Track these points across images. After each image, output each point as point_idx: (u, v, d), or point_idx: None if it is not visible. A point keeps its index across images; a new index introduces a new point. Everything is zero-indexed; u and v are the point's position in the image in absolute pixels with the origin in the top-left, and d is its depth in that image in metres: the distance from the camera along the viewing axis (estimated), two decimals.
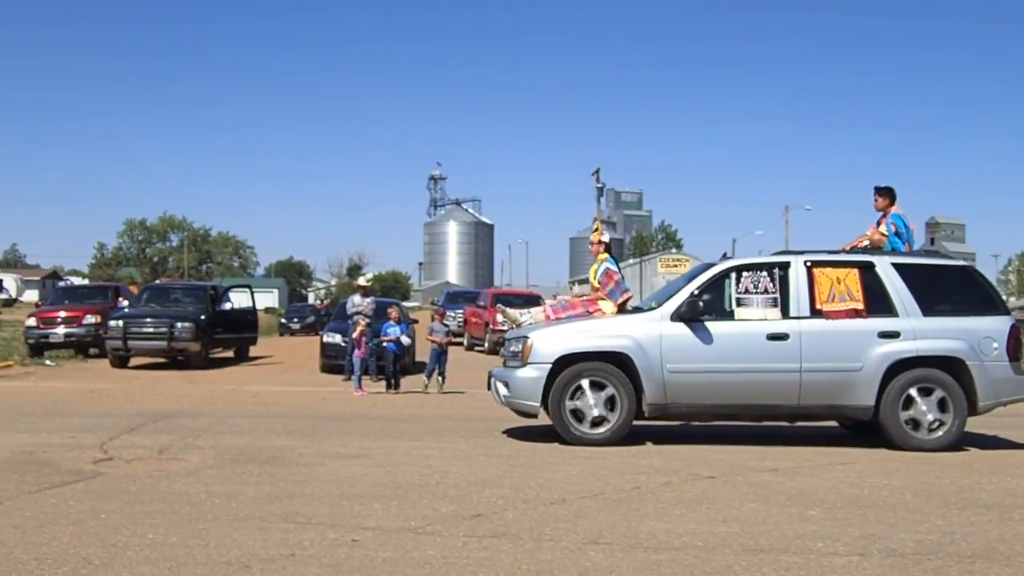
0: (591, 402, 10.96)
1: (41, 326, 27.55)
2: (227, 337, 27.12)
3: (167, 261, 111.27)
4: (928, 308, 11.14)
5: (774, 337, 10.96)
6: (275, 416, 13.78)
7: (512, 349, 11.62)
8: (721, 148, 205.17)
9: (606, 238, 12.80)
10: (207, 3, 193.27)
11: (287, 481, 8.41)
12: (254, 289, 32.82)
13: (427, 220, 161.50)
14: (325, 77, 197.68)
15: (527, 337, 11.34)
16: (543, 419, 11.28)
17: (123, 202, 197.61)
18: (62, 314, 27.84)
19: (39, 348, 26.99)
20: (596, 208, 69.27)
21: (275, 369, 25.22)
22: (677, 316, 11.08)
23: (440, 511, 7.28)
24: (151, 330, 24.08)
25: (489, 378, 11.97)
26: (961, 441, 11.09)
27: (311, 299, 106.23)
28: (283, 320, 57.91)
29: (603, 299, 12.20)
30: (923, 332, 11.00)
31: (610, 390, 10.94)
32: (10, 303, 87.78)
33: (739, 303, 11.22)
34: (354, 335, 18.90)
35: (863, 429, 11.87)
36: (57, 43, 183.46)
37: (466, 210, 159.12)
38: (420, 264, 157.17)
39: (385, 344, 18.50)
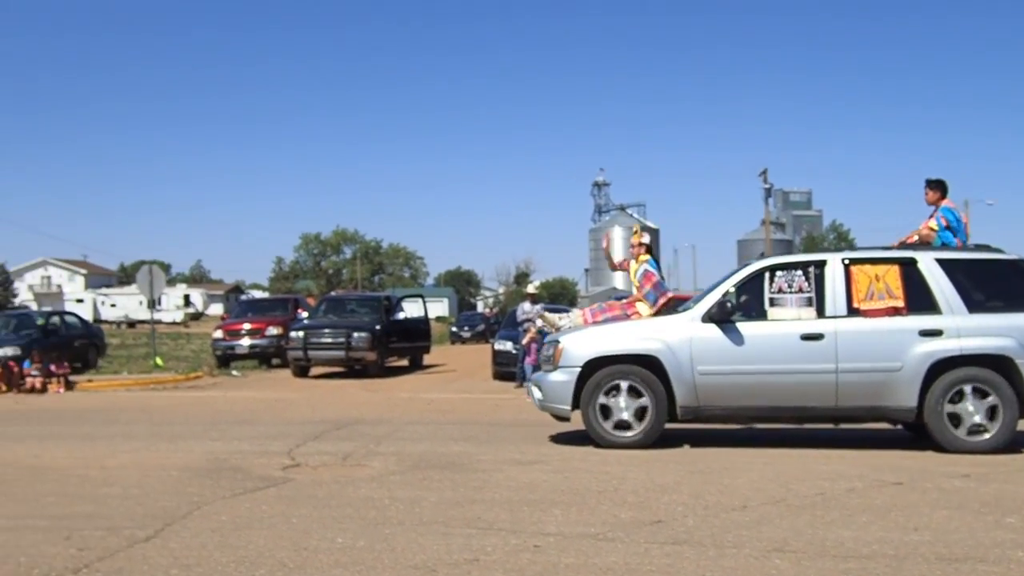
0: (622, 404, 10.96)
1: (227, 338, 28.83)
2: (402, 346, 27.71)
3: (341, 273, 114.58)
4: (975, 305, 10.69)
5: (808, 337, 10.74)
6: (451, 423, 14.02)
7: (546, 353, 11.72)
8: (896, 144, 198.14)
9: (646, 239, 12.91)
10: (373, 14, 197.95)
11: (467, 487, 8.54)
12: (425, 298, 33.46)
13: (592, 226, 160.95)
14: (488, 85, 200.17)
15: (558, 341, 11.46)
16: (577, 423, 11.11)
17: (299, 217, 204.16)
18: (246, 326, 29.06)
19: (226, 359, 28.24)
20: (764, 209, 68.05)
21: (448, 377, 25.67)
22: (708, 317, 11.01)
23: (620, 517, 7.27)
24: (329, 340, 24.84)
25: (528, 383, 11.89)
26: (1015, 442, 10.56)
27: (480, 307, 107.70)
28: (454, 329, 58.95)
29: (642, 301, 12.22)
30: (968, 330, 10.54)
31: (641, 392, 10.94)
32: (197, 316, 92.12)
33: (772, 303, 11.04)
34: (524, 342, 19.07)
35: (922, 432, 11.16)
36: (227, 69, 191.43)
37: (631, 215, 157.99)
38: (586, 270, 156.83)
39: None
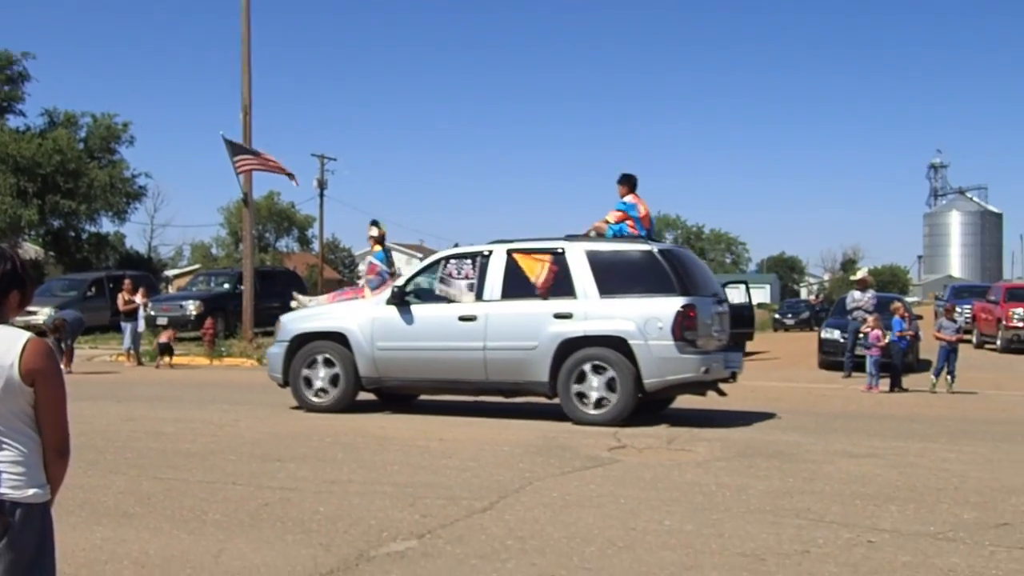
0: (321, 374, 12.68)
1: None
2: None
3: None
4: (606, 291, 11.68)
5: (464, 318, 12.08)
6: (776, 411, 13.74)
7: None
8: None
9: (374, 233, 14.77)
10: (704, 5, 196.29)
11: (796, 477, 8.37)
12: (748, 284, 32.80)
13: (927, 211, 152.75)
14: (812, 63, 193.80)
15: (279, 318, 13.59)
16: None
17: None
18: None
19: None
20: None
21: (772, 364, 25.19)
22: (389, 300, 12.53)
23: (961, 517, 6.89)
24: None
25: None
26: (630, 416, 11.37)
27: (803, 294, 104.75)
28: (777, 316, 57.69)
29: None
30: (595, 314, 11.60)
31: (335, 365, 12.60)
32: None
33: (443, 288, 12.42)
34: (862, 331, 18.39)
35: None
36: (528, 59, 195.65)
37: (970, 199, 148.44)
38: (919, 257, 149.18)
39: (892, 340, 17.76)
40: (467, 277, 12.33)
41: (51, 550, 3.30)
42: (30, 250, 47.85)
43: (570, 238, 12.36)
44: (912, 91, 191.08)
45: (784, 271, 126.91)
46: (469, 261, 12.42)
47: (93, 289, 33.16)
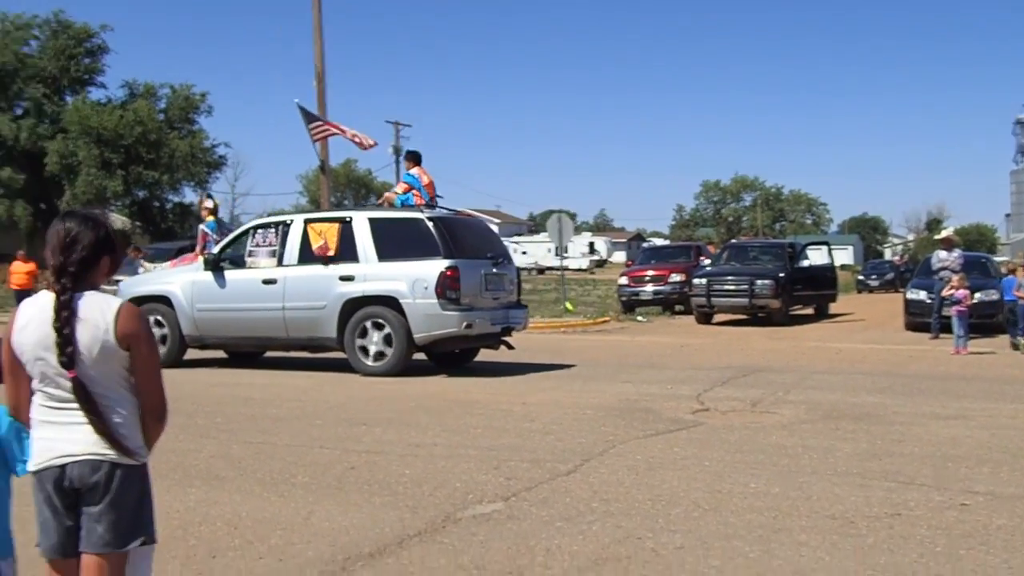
0: (155, 333, 12.88)
1: (632, 284, 29.50)
2: (806, 294, 26.96)
3: (741, 220, 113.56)
4: (385, 255, 12.97)
5: (267, 282, 13.51)
6: (861, 373, 13.53)
7: None
8: None
9: (209, 204, 17.59)
10: None
11: (884, 439, 8.23)
12: (830, 246, 32.27)
13: (1014, 168, 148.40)
14: (896, 14, 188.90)
15: (119, 282, 14.71)
16: None
17: (699, 165, 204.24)
18: (650, 273, 29.57)
19: (631, 305, 28.90)
20: None
21: (856, 326, 24.77)
22: (206, 266, 13.99)
23: None
24: (733, 288, 24.70)
25: None
26: (405, 368, 12.79)
27: (887, 255, 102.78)
28: (860, 277, 56.79)
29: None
30: (374, 276, 12.92)
31: (163, 326, 13.97)
32: (601, 264, 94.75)
33: (250, 254, 13.86)
34: (945, 292, 17.97)
35: None
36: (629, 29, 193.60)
37: None
38: (1007, 215, 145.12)
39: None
40: (271, 244, 13.73)
41: (150, 509, 3.37)
42: (118, 220, 48.86)
43: (358, 208, 13.44)
44: (998, 46, 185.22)
45: (867, 232, 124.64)
46: (273, 230, 13.85)
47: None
